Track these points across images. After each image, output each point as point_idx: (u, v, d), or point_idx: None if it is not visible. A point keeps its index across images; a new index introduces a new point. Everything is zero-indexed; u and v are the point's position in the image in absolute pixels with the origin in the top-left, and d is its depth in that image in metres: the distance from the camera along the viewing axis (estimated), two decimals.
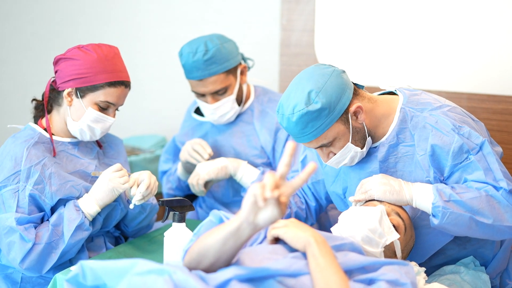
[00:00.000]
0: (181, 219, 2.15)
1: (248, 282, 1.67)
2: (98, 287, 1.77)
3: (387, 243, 1.99)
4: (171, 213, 2.18)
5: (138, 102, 4.09)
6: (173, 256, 2.12)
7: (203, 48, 2.75)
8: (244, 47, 3.53)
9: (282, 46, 3.48)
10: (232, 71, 2.82)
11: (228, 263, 1.74)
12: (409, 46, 3.17)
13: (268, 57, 3.68)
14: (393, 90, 2.32)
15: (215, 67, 2.76)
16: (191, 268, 1.76)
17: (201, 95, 2.84)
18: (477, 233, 2.10)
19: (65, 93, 2.39)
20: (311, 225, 2.63)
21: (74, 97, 2.38)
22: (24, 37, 4.51)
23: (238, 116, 2.96)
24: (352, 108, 2.14)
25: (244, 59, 2.95)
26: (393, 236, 2.00)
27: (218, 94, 2.82)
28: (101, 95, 2.38)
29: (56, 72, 2.42)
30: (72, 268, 2.20)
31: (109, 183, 2.35)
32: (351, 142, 2.17)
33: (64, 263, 2.37)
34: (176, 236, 2.13)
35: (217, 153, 2.95)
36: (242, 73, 2.89)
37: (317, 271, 1.73)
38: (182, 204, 2.16)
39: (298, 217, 2.56)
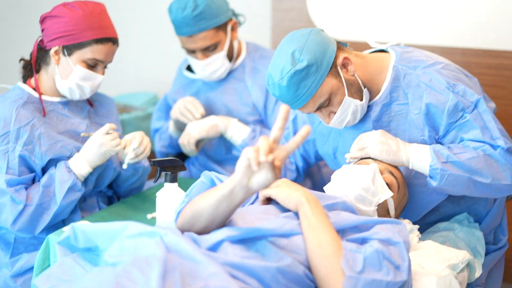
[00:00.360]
0: (173, 179, 2.13)
1: (240, 243, 1.66)
2: (90, 249, 1.77)
3: (380, 201, 1.98)
4: (163, 173, 2.16)
5: (128, 59, 4.03)
6: (166, 217, 2.11)
7: (192, 3, 2.71)
8: (235, 2, 3.48)
9: (274, 0, 3.43)
10: (222, 27, 2.78)
11: (221, 226, 1.73)
12: (402, 1, 3.12)
13: (259, 12, 3.63)
14: (383, 48, 2.29)
15: (205, 23, 2.73)
16: (184, 230, 1.75)
17: (191, 52, 2.81)
18: (475, 193, 2.09)
19: (52, 51, 2.35)
20: (300, 184, 2.63)
21: (61, 55, 2.35)
22: None
23: (230, 73, 2.92)
24: (340, 60, 2.11)
25: (235, 15, 2.90)
26: (386, 195, 1.99)
27: (209, 50, 2.78)
28: (88, 52, 2.34)
29: (42, 30, 2.38)
30: (65, 229, 2.19)
31: (101, 147, 2.33)
32: (348, 96, 2.14)
33: (57, 224, 2.37)
34: (169, 196, 2.12)
35: (208, 110, 2.92)
36: (232, 29, 2.85)
37: (309, 231, 1.72)
38: (174, 164, 2.14)
39: (288, 179, 2.55)
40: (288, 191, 1.81)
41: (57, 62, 2.36)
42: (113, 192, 2.62)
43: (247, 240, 1.68)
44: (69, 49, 2.33)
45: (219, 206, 1.67)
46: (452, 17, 3.03)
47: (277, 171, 1.55)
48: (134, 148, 2.36)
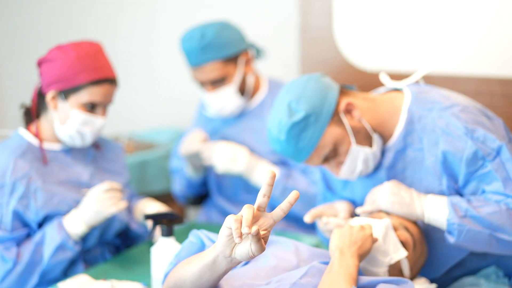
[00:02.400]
0: (169, 233, 2.00)
1: None
2: None
3: (392, 262, 1.80)
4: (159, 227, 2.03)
5: (153, 92, 3.94)
6: (161, 273, 1.98)
7: (200, 34, 2.63)
8: (262, 33, 3.35)
9: (302, 31, 3.27)
10: (232, 60, 2.66)
11: None
12: (436, 26, 2.92)
13: (287, 43, 3.48)
14: (398, 87, 2.11)
15: (211, 54, 2.63)
16: None
17: (202, 84, 2.71)
18: (498, 250, 1.90)
19: (48, 97, 2.25)
20: None
21: (58, 100, 2.24)
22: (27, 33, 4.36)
23: (249, 112, 2.79)
24: (342, 106, 1.95)
25: (256, 48, 2.77)
26: (399, 254, 1.81)
27: (216, 83, 2.67)
28: (85, 96, 2.22)
29: (40, 75, 2.29)
30: (60, 285, 2.09)
31: (95, 204, 2.20)
32: (356, 143, 1.97)
33: (55, 278, 2.25)
34: (164, 252, 1.98)
35: None
36: (246, 62, 2.72)
37: (326, 273, 1.62)
38: (169, 217, 2.01)
39: None
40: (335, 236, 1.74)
41: (54, 108, 2.26)
42: (121, 241, 2.49)
43: None
44: (65, 94, 2.23)
45: (202, 276, 1.54)
46: (490, 43, 2.81)
47: (262, 242, 1.42)
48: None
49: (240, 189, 2.79)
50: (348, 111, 1.96)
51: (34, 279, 2.17)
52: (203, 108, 2.91)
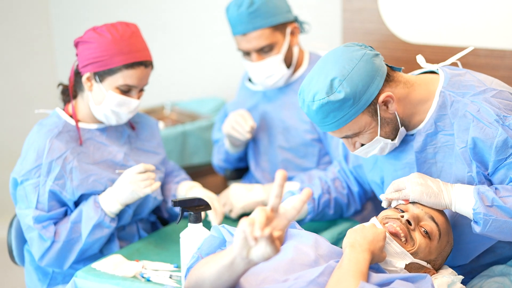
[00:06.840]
0: (197, 220, 2.02)
1: None
2: None
3: (401, 266, 1.79)
4: (188, 213, 2.04)
5: (198, 62, 3.93)
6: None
7: (249, 0, 2.59)
8: (303, 2, 3.29)
9: (345, 1, 3.20)
10: (279, 28, 2.63)
11: None
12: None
13: (329, 13, 3.41)
14: (434, 69, 2.06)
15: (260, 21, 2.59)
16: None
17: (246, 54, 2.67)
18: None
19: (84, 78, 2.28)
20: (355, 211, 2.45)
21: (93, 81, 2.27)
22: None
23: (289, 85, 2.75)
24: (381, 98, 1.91)
25: (299, 22, 2.73)
26: (406, 259, 1.79)
27: (263, 51, 2.63)
28: (120, 79, 2.25)
29: (77, 56, 2.31)
30: (94, 265, 2.16)
31: (130, 185, 2.23)
32: (380, 135, 1.96)
33: (94, 254, 2.31)
34: (193, 238, 2.00)
35: (265, 125, 2.78)
36: (292, 33, 2.68)
37: (336, 268, 1.64)
38: (197, 204, 2.03)
39: (338, 203, 2.38)
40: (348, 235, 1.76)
41: (89, 89, 2.29)
42: (156, 217, 2.54)
43: None
44: (101, 76, 2.26)
45: (221, 276, 1.58)
46: None
47: (277, 242, 1.46)
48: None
49: (279, 165, 2.79)
50: (385, 102, 1.93)
51: (73, 257, 2.24)
52: (246, 81, 2.90)
